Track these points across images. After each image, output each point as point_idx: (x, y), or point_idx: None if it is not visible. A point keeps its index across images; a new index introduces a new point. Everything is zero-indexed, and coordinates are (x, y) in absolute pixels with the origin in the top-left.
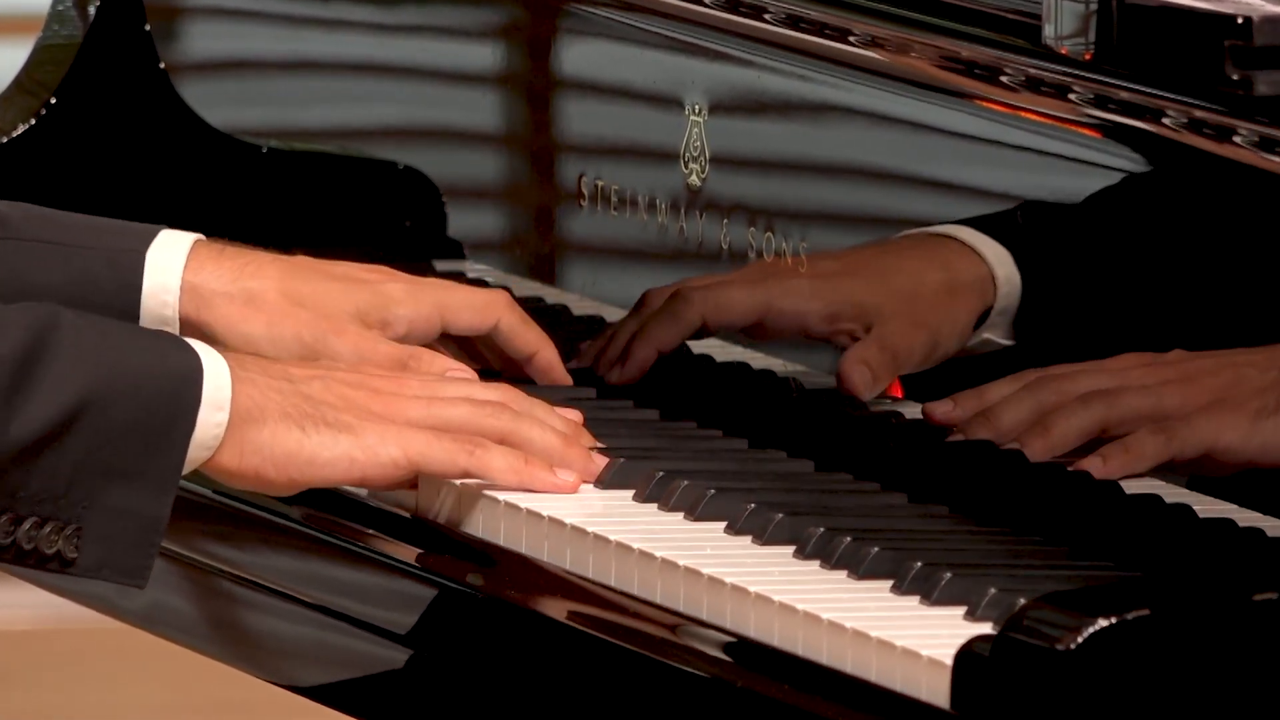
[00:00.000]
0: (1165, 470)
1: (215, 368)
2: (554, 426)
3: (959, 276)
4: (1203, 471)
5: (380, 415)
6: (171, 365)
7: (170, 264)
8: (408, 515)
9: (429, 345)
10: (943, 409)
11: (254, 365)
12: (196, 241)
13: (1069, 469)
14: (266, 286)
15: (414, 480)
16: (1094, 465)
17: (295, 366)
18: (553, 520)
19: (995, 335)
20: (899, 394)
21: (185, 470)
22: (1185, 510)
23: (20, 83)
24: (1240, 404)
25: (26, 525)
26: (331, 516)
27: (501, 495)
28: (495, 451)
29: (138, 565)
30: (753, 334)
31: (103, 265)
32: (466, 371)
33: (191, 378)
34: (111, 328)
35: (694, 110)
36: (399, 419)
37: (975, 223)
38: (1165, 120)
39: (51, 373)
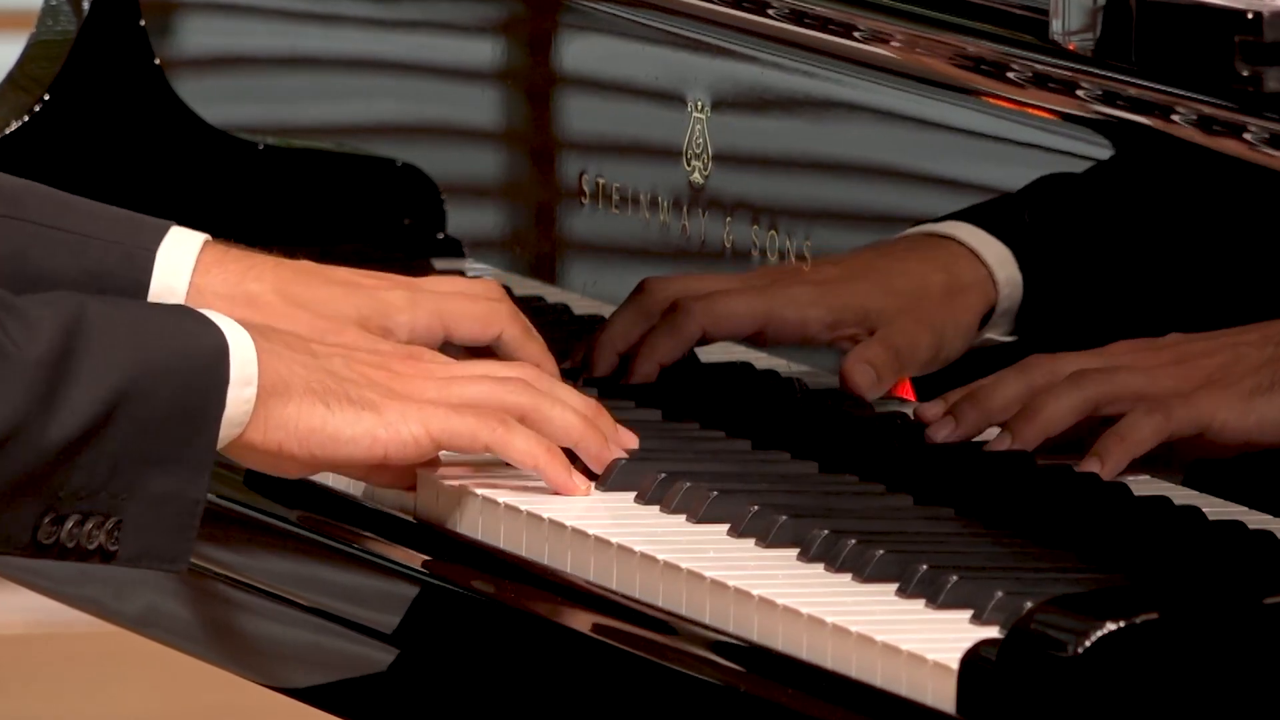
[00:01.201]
0: (1164, 449)
1: (240, 342)
2: (574, 407)
3: (960, 279)
4: (1201, 454)
5: (401, 394)
6: (200, 345)
7: (179, 265)
8: (406, 518)
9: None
10: (933, 410)
11: (277, 338)
12: (205, 243)
13: (1076, 470)
14: (266, 289)
15: (428, 462)
16: (1093, 465)
17: (316, 343)
18: (553, 523)
19: (998, 334)
20: (911, 397)
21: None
22: (1195, 513)
23: (14, 79)
24: (1235, 382)
25: (69, 524)
26: (327, 519)
27: (502, 498)
28: (519, 431)
29: (178, 550)
30: (755, 341)
31: (116, 260)
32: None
33: (219, 356)
34: (135, 312)
35: (696, 107)
36: (419, 397)
37: (979, 221)
38: (1174, 117)
39: (85, 370)
